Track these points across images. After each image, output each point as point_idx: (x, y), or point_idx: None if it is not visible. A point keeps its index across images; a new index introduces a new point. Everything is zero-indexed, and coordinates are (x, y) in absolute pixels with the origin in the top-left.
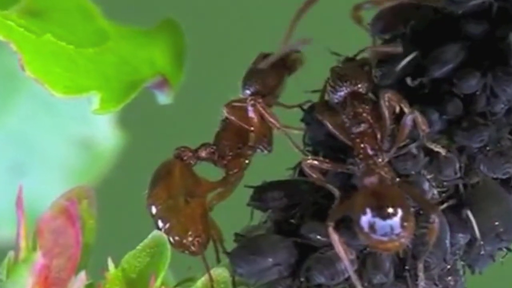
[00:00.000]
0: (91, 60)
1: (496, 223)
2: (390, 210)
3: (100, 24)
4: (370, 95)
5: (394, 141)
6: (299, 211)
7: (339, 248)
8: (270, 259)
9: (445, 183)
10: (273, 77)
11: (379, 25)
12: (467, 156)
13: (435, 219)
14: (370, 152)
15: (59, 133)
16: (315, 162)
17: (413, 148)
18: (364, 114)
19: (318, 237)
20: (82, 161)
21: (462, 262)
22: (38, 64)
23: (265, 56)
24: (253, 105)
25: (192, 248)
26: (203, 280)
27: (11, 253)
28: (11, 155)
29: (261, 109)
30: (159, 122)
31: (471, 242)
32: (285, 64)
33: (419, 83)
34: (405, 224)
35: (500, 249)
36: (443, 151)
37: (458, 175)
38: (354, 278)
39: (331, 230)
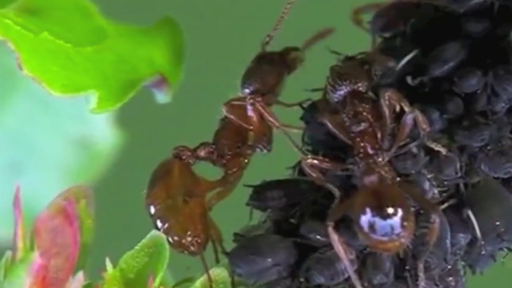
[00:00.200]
0: (89, 59)
1: (497, 223)
2: (390, 210)
3: (98, 23)
4: (370, 94)
5: (394, 140)
6: (299, 211)
7: (339, 248)
8: (270, 259)
9: (445, 183)
10: (273, 76)
11: (379, 23)
12: (468, 155)
13: (436, 219)
14: (370, 151)
15: (56, 132)
16: (315, 161)
17: (413, 147)
18: (364, 113)
19: (318, 237)
20: (80, 160)
21: (463, 262)
22: (35, 63)
23: (264, 55)
24: (252, 104)
25: (191, 248)
26: (202, 280)
27: (8, 253)
28: (9, 154)
29: (260, 108)
30: (157, 121)
31: (472, 242)
32: (285, 63)
33: (419, 82)
34: (405, 224)
35: (501, 249)
36: (443, 150)
37: (459, 174)
38: (354, 278)
39: (330, 230)
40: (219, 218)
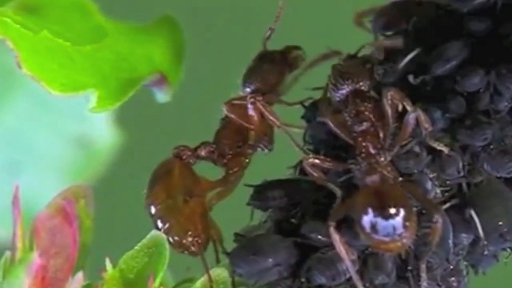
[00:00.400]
0: (89, 57)
1: (500, 223)
2: (392, 210)
3: (98, 21)
4: (372, 93)
5: (396, 139)
6: (300, 211)
7: (341, 248)
8: (270, 259)
9: (448, 182)
10: (274, 75)
11: (381, 22)
12: (471, 154)
13: (438, 219)
14: (372, 151)
15: (56, 131)
16: (317, 160)
17: (415, 146)
18: (366, 113)
19: (319, 237)
20: (79, 160)
21: (465, 263)
22: (34, 62)
23: (265, 54)
24: (253, 103)
25: (192, 248)
26: (202, 280)
27: (7, 254)
28: (7, 153)
29: (261, 107)
30: (157, 121)
31: (475, 242)
32: (286, 61)
33: (421, 80)
34: (408, 224)
35: (504, 249)
36: (446, 150)
37: (461, 174)
38: (356, 279)
39: (332, 230)
40: (219, 218)
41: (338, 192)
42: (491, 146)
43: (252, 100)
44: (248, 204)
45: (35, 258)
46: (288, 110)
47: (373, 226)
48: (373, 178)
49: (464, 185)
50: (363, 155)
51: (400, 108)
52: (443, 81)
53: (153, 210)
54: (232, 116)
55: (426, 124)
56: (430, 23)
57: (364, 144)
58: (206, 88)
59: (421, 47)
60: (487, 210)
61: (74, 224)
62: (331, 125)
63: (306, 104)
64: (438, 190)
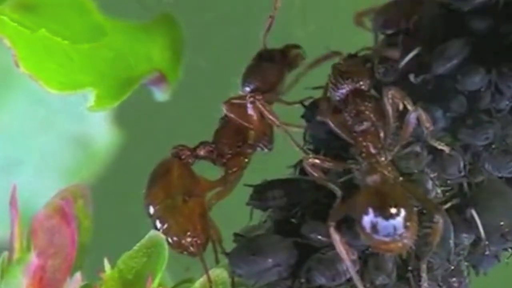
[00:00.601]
0: (87, 56)
1: (501, 223)
2: (393, 210)
3: (96, 19)
4: (373, 92)
5: (397, 139)
6: (300, 211)
7: (341, 248)
8: (270, 260)
9: (449, 182)
10: (273, 74)
11: (381, 21)
12: (472, 154)
13: (439, 219)
14: (372, 150)
15: (54, 131)
16: (317, 160)
17: (416, 146)
18: (367, 112)
19: (319, 237)
20: (77, 160)
21: (466, 263)
22: (32, 60)
23: (265, 52)
24: (252, 102)
25: (191, 248)
26: (201, 281)
27: (5, 254)
28: (5, 152)
29: (260, 106)
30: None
31: (476, 242)
32: (286, 60)
33: (422, 79)
34: (408, 224)
35: (505, 249)
36: (447, 149)
37: (462, 173)
38: (356, 279)
39: (332, 230)
40: (219, 218)
41: (338, 192)
42: (493, 146)
43: (251, 99)
44: (247, 204)
45: (33, 258)
46: (287, 109)
47: (374, 226)
48: (374, 178)
49: (465, 185)
50: (363, 155)
51: (401, 107)
52: (444, 80)
53: (151, 210)
54: (232, 115)
55: (427, 124)
56: (431, 22)
57: (364, 143)
58: (205, 87)
59: (422, 46)
60: (488, 210)
61: (72, 224)
62: (331, 124)
63: (306, 103)
64: (439, 190)
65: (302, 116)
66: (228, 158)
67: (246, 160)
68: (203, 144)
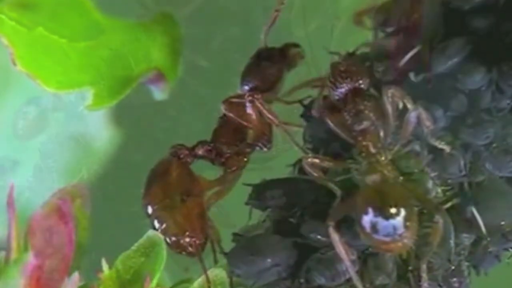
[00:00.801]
0: (85, 55)
1: (502, 222)
2: (393, 209)
3: (94, 17)
4: (372, 91)
5: (397, 138)
6: (299, 210)
7: (340, 248)
8: (269, 260)
9: (449, 181)
10: (272, 73)
11: (381, 19)
12: (472, 153)
13: (439, 219)
14: (372, 150)
15: (51, 130)
16: (316, 160)
17: (416, 145)
18: (366, 111)
19: (319, 237)
20: (76, 159)
21: (467, 263)
22: (30, 59)
23: (264, 51)
24: (251, 101)
25: (189, 248)
26: (199, 281)
27: (2, 254)
28: (3, 152)
29: (259, 105)
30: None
31: (476, 242)
32: (285, 59)
33: (422, 78)
34: (408, 224)
35: (506, 249)
36: (447, 149)
37: (463, 173)
38: (356, 279)
39: (331, 230)
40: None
41: (338, 191)
42: (493, 145)
43: (250, 98)
44: (247, 203)
45: (30, 258)
46: (287, 108)
47: (374, 226)
48: (374, 178)
49: (465, 184)
50: (363, 154)
51: (400, 106)
52: (445, 79)
53: (150, 210)
54: (230, 114)
55: (427, 123)
56: (432, 21)
57: (364, 143)
58: (205, 87)
59: (422, 44)
60: (489, 210)
61: (70, 224)
62: (331, 124)
63: (305, 102)
64: (439, 189)
65: (302, 116)
66: (226, 158)
67: (245, 159)
68: (201, 143)
